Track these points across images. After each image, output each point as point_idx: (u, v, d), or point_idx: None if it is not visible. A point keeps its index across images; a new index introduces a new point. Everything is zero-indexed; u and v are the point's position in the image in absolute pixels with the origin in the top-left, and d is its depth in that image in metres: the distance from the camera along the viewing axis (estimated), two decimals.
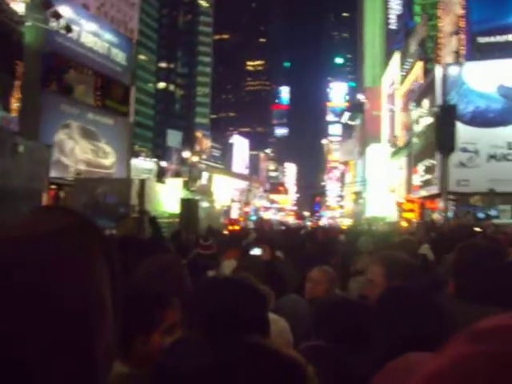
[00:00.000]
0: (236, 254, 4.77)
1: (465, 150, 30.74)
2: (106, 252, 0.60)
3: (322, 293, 3.38)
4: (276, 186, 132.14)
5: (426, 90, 37.70)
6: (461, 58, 35.80)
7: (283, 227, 19.39)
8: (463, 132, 27.06)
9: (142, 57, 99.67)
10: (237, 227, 25.47)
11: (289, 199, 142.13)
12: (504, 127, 31.48)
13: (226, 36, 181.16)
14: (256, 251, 6.35)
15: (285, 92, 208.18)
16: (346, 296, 3.43)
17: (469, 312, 1.55)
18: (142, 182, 16.71)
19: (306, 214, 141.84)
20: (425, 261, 4.69)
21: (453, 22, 38.39)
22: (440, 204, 30.79)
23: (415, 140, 41.81)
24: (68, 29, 25.12)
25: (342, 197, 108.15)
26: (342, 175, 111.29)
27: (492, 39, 34.75)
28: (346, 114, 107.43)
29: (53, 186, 23.06)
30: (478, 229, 17.48)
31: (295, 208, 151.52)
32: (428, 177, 35.98)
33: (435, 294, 2.01)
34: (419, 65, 44.86)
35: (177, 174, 56.80)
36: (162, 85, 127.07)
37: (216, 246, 5.64)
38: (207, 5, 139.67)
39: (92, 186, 16.42)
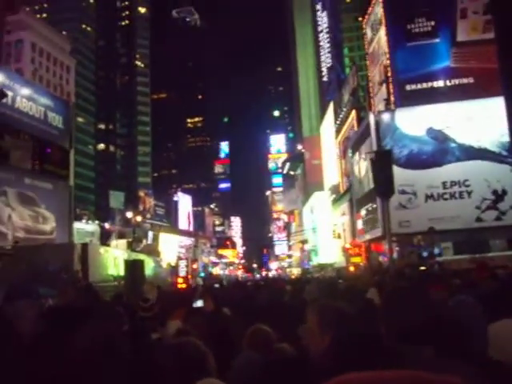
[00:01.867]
0: (182, 314, 4.64)
1: (403, 192, 31.73)
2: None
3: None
4: (223, 241, 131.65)
5: (361, 136, 39.02)
6: (391, 104, 37.44)
7: (217, 285, 18.95)
8: (400, 175, 28.02)
9: (80, 119, 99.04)
10: (183, 285, 24.97)
11: (236, 253, 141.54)
12: (438, 168, 32.81)
13: (163, 95, 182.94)
14: (199, 303, 6.31)
15: (225, 147, 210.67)
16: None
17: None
18: (85, 246, 16.31)
19: (255, 266, 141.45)
20: (370, 305, 4.73)
21: (380, 71, 40.33)
22: (385, 246, 31.43)
23: (356, 186, 42.83)
24: (1, 94, 24.75)
25: (289, 246, 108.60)
26: (287, 225, 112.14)
27: (418, 86, 36.66)
28: (287, 165, 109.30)
29: None
30: (422, 267, 17.92)
31: (243, 261, 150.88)
32: (371, 221, 36.75)
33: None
34: (353, 113, 46.56)
35: (121, 235, 55.75)
36: (101, 146, 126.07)
37: (158, 307, 5.50)
38: (143, 65, 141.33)
39: (32, 254, 15.85)
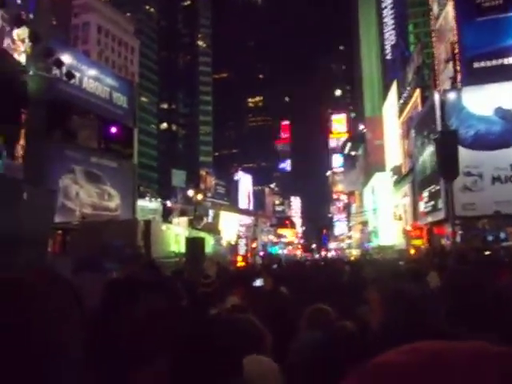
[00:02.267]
0: (241, 291, 4.71)
1: (468, 174, 30.71)
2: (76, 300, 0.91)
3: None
4: (282, 220, 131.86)
5: (425, 116, 37.93)
6: (457, 83, 36.11)
7: (274, 266, 18.74)
8: (466, 156, 27.10)
9: (143, 99, 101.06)
10: (243, 263, 25.26)
11: (296, 232, 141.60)
12: (507, 149, 31.48)
13: (224, 74, 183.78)
14: (258, 282, 6.35)
15: (286, 126, 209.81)
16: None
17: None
18: (147, 223, 16.75)
19: (314, 246, 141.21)
20: (429, 288, 4.66)
21: (447, 48, 38.89)
22: (448, 229, 30.63)
23: (419, 167, 41.82)
24: (70, 75, 25.59)
25: (349, 227, 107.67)
26: (347, 206, 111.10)
27: (487, 64, 35.11)
28: (348, 145, 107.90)
29: (59, 231, 23.09)
30: (487, 252, 17.35)
31: (302, 241, 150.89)
32: (433, 203, 35.87)
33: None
34: (417, 92, 45.24)
35: (182, 213, 56.85)
36: (164, 125, 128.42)
37: (218, 283, 5.61)
38: (205, 45, 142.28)
39: (98, 229, 16.44)
